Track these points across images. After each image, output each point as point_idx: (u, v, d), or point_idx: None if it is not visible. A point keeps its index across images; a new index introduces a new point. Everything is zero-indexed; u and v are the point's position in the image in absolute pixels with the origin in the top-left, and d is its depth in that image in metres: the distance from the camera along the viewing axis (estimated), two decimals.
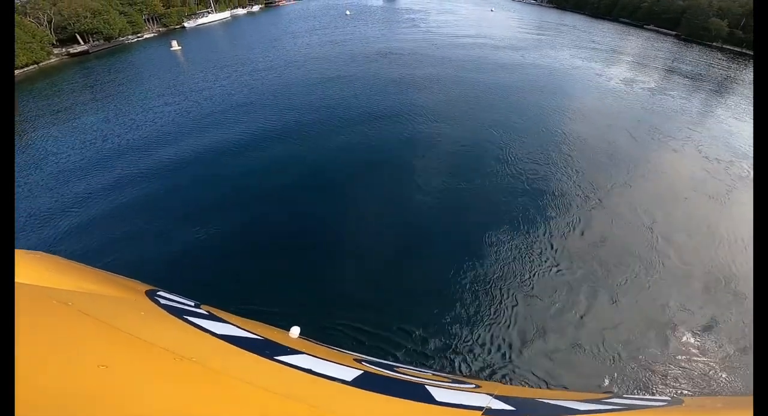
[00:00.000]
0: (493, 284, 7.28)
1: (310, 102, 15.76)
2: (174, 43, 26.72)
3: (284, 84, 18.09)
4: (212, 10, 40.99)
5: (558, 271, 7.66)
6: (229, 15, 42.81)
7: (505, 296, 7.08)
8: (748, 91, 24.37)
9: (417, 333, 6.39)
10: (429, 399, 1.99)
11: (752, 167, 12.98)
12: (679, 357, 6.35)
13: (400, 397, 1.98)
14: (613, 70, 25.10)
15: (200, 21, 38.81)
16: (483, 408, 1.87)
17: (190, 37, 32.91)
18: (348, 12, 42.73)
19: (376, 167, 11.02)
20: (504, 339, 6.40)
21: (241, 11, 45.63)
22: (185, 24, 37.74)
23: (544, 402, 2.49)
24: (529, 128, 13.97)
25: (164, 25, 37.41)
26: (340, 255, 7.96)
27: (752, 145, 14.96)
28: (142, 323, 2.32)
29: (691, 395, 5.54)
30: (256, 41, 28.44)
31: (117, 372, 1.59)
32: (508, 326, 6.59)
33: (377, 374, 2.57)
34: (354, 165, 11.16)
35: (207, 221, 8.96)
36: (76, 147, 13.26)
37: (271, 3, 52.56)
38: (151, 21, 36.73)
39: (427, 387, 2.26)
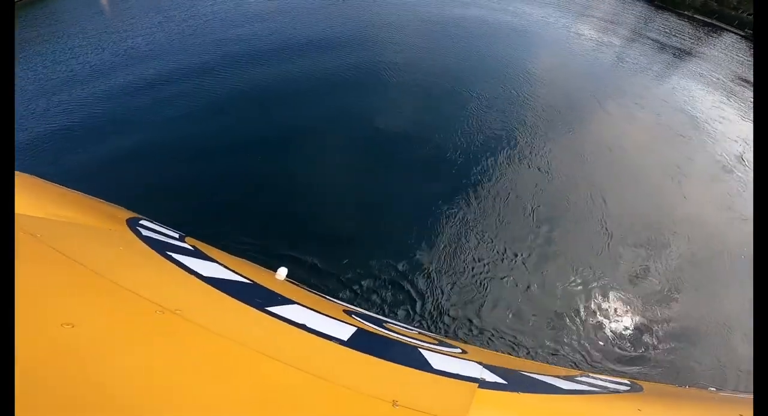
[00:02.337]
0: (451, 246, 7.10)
1: (275, 33, 14.28)
2: None
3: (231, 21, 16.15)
4: None
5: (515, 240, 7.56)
6: None
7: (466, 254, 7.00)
8: (710, 63, 24.79)
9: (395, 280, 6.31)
10: (427, 367, 1.95)
11: (723, 154, 13.14)
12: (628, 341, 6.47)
13: (399, 363, 1.92)
14: (585, 30, 24.47)
15: None
16: (478, 379, 1.86)
17: None
18: None
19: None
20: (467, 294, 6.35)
21: None
22: None
23: (530, 377, 2.51)
24: (496, 89, 13.26)
25: None
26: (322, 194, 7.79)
27: (709, 120, 15.56)
28: (120, 262, 1.99)
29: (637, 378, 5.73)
30: None
31: (84, 333, 1.23)
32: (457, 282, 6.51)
33: (371, 331, 2.48)
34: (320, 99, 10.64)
35: (197, 149, 8.76)
36: None
37: None
38: None
39: (421, 350, 2.23)
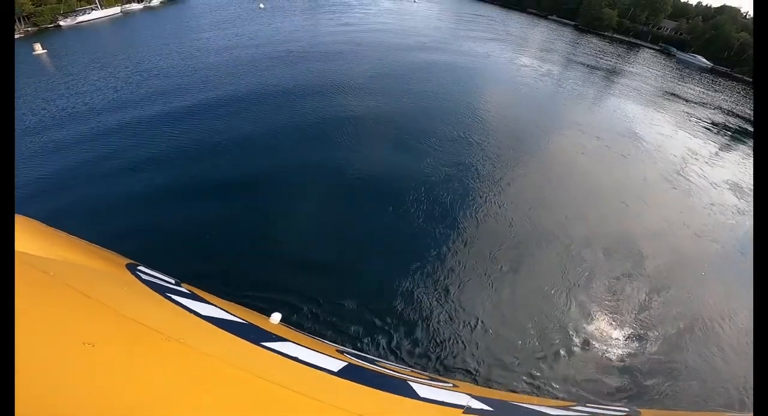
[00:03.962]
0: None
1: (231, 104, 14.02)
2: (37, 46, 22.17)
3: (182, 87, 15.91)
4: (96, 6, 35.25)
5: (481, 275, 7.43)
6: (119, 11, 37.16)
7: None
8: (637, 81, 27.39)
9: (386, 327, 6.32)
10: (413, 395, 2.00)
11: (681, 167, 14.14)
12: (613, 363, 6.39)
13: (386, 391, 1.97)
14: (525, 60, 26.59)
15: (81, 19, 33.10)
16: (464, 406, 1.88)
17: (66, 38, 28.00)
18: (261, 5, 39.78)
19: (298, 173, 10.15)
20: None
21: (136, 6, 39.86)
22: (61, 22, 31.90)
23: (519, 406, 2.54)
24: (451, 134, 13.60)
25: (35, 25, 31.38)
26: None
27: (655, 131, 16.91)
28: (125, 298, 2.18)
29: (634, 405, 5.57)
30: (143, 42, 24.92)
31: (103, 351, 1.45)
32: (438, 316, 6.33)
33: (361, 366, 2.56)
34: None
35: (187, 201, 8.96)
36: None
37: None
38: (18, 21, 30.50)
39: (410, 382, 2.26)
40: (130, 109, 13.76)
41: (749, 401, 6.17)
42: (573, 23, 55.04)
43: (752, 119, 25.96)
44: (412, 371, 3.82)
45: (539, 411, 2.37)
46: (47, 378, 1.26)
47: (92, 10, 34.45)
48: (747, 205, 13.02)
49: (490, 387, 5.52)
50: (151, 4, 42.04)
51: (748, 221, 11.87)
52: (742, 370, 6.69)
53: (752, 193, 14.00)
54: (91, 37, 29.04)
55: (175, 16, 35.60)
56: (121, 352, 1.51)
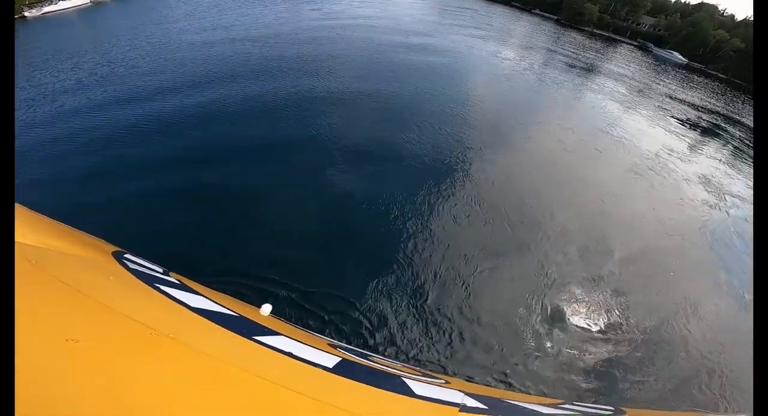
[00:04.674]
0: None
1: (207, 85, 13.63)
2: None
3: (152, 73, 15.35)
4: None
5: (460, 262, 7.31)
6: (88, 0, 35.39)
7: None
8: (613, 78, 27.87)
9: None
10: (409, 392, 2.00)
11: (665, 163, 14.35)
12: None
13: (382, 388, 1.95)
14: (507, 53, 26.69)
15: (47, 9, 31.39)
16: (459, 404, 1.90)
17: (30, 29, 26.59)
18: None
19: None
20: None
21: None
22: (25, 13, 30.13)
23: (512, 404, 2.57)
24: (430, 131, 13.30)
25: None
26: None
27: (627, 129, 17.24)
28: (112, 290, 2.08)
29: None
30: (112, 32, 23.81)
31: (88, 349, 1.35)
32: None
33: (355, 362, 2.52)
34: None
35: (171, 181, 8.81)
36: None
37: None
38: None
39: (404, 379, 2.27)
40: (96, 96, 13.33)
41: (718, 401, 6.36)
42: (555, 17, 55.60)
43: (725, 115, 26.85)
44: (404, 366, 3.85)
45: (532, 410, 2.38)
46: (28, 377, 1.16)
47: (60, 0, 32.67)
48: (716, 199, 13.50)
49: (478, 384, 5.54)
50: None
51: (718, 216, 12.31)
52: (710, 370, 6.89)
53: (730, 189, 14.56)
54: (57, 28, 27.60)
55: (148, 5, 34.07)
56: (108, 349, 1.44)
